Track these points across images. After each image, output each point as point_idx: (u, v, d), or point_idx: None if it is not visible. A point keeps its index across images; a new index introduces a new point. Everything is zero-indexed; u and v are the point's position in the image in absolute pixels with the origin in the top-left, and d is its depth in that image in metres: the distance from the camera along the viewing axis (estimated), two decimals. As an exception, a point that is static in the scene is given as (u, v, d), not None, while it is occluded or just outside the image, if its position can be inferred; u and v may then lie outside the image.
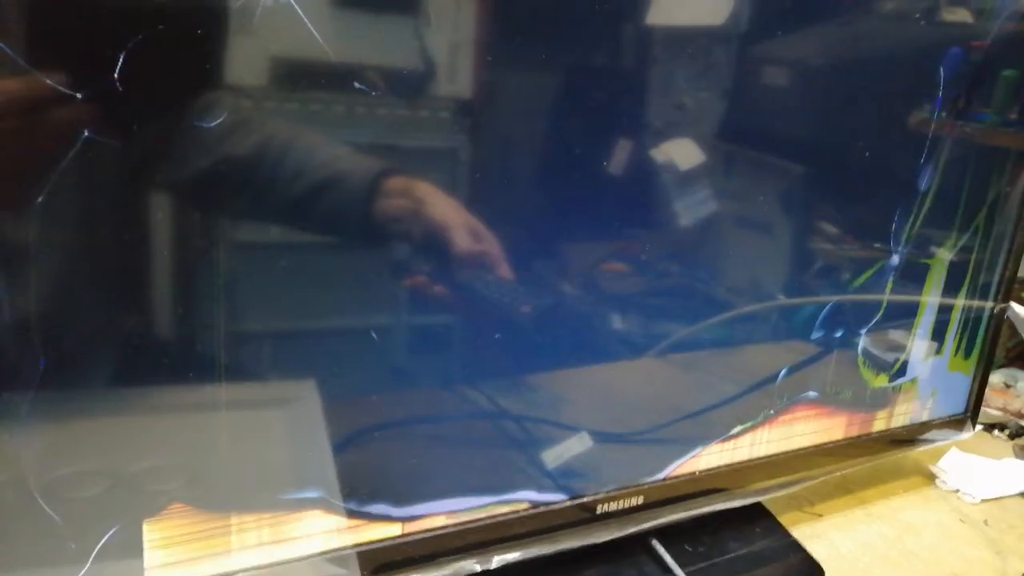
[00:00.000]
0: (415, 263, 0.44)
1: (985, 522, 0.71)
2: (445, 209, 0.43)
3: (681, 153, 0.50)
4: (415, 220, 0.43)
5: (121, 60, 0.32)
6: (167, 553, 0.39)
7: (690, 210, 0.52)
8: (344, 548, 0.44)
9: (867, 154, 0.58)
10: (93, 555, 0.37)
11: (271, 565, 0.42)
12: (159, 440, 0.38)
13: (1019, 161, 0.67)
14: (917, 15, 0.57)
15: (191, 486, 0.39)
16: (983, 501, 0.74)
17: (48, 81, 0.31)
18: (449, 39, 0.40)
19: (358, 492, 0.44)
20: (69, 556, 0.37)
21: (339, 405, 0.42)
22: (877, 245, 0.62)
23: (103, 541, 0.37)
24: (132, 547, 0.38)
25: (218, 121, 0.35)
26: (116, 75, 0.32)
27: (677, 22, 0.48)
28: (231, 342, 0.38)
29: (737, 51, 0.50)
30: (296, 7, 0.35)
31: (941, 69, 0.59)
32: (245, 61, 0.36)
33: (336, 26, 0.37)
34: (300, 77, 0.37)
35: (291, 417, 0.42)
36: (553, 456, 0.51)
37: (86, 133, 0.33)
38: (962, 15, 0.60)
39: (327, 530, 0.43)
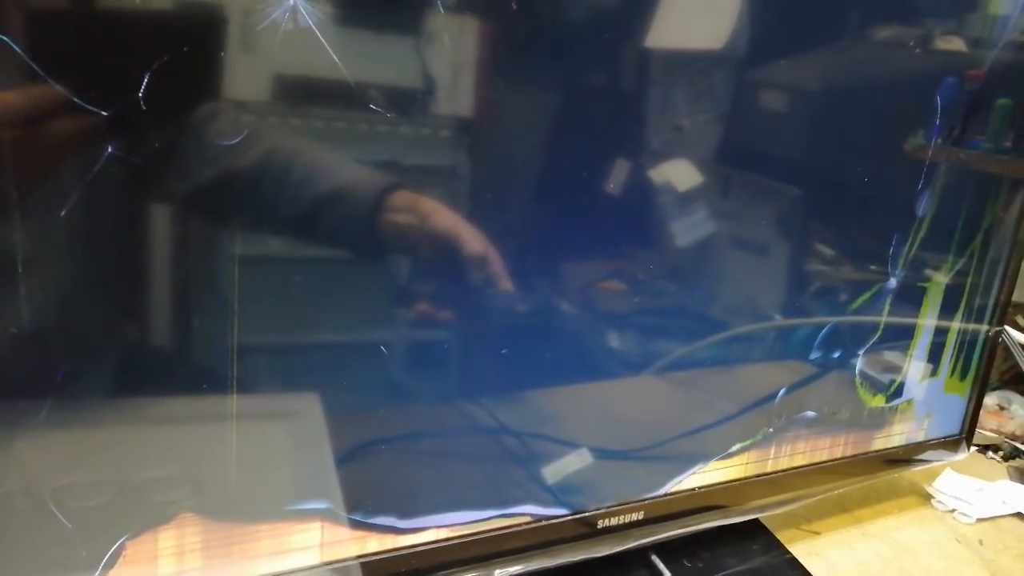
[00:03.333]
0: (419, 278, 0.44)
1: (980, 542, 0.71)
2: (450, 225, 0.44)
3: (679, 174, 0.52)
4: (420, 235, 0.43)
5: (146, 80, 0.33)
6: (175, 561, 0.40)
7: (688, 231, 0.53)
8: (348, 559, 0.45)
9: (866, 179, 0.59)
10: (103, 562, 0.38)
11: (278, 575, 0.42)
12: (166, 450, 0.39)
13: (1013, 187, 0.69)
14: (913, 43, 0.59)
15: (198, 496, 0.40)
16: (978, 521, 0.74)
17: (76, 99, 0.32)
18: (452, 60, 0.41)
19: (364, 504, 0.45)
20: (81, 562, 0.37)
21: (344, 418, 0.43)
22: (875, 268, 0.63)
23: (113, 548, 0.38)
24: (142, 555, 0.39)
25: (238, 139, 0.36)
26: (141, 94, 0.33)
27: (676, 46, 0.49)
28: (239, 355, 0.39)
29: (735, 75, 0.51)
30: (316, 30, 0.36)
31: (938, 97, 0.60)
32: (264, 81, 0.37)
33: (352, 47, 0.38)
34: (317, 96, 0.38)
35: (297, 429, 0.42)
36: (553, 472, 0.52)
37: (110, 149, 0.34)
38: (958, 44, 0.61)
39: (332, 541, 0.44)
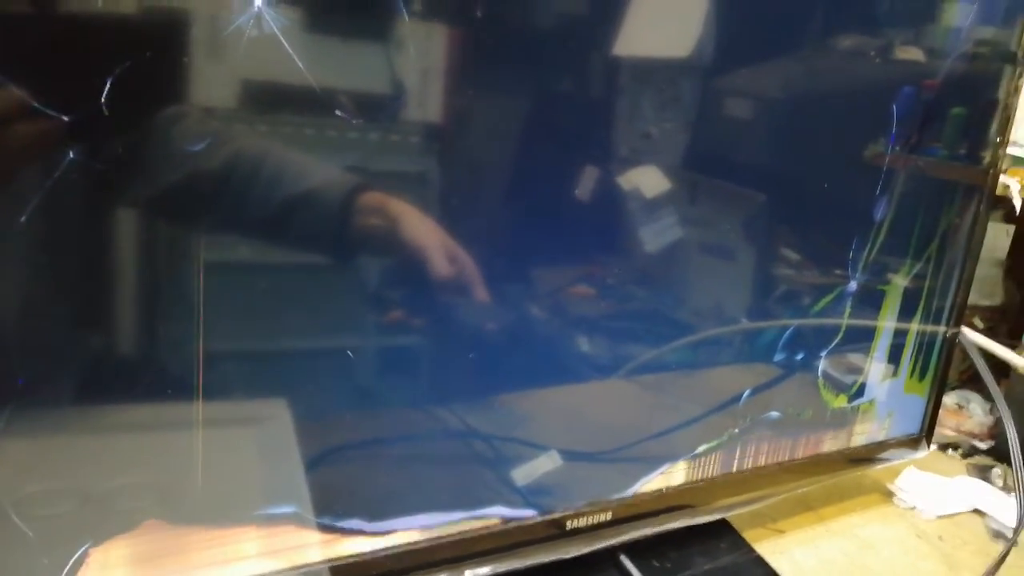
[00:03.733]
0: (388, 282, 0.45)
1: (940, 538, 0.73)
2: (419, 228, 0.44)
3: (647, 181, 0.52)
4: (388, 238, 0.43)
5: (108, 85, 0.33)
6: (140, 568, 0.39)
7: (656, 236, 0.54)
8: (317, 563, 0.45)
9: (826, 185, 0.61)
10: (66, 570, 0.37)
11: (245, 580, 0.42)
12: (132, 458, 0.39)
13: (968, 194, 0.71)
14: (873, 53, 0.60)
15: (164, 503, 0.40)
16: (938, 518, 0.76)
17: (36, 104, 0.32)
18: (419, 67, 0.41)
19: (332, 508, 0.45)
20: (42, 571, 0.37)
21: (312, 423, 0.43)
22: (836, 272, 0.64)
23: (75, 556, 0.38)
24: (106, 562, 0.38)
25: (204, 144, 0.36)
26: (103, 100, 0.33)
27: (644, 54, 0.50)
28: (205, 361, 0.39)
29: (702, 84, 0.52)
30: (280, 37, 0.37)
31: (895, 105, 0.62)
32: (229, 87, 0.37)
33: (318, 54, 0.38)
34: (283, 102, 0.38)
35: (265, 435, 0.42)
36: (523, 474, 0.53)
37: (72, 155, 0.33)
38: (915, 54, 0.63)
39: (301, 545, 0.44)
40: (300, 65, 0.37)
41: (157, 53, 0.34)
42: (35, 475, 0.36)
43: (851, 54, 0.60)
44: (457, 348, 0.48)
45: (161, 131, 0.36)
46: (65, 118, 0.33)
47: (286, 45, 0.37)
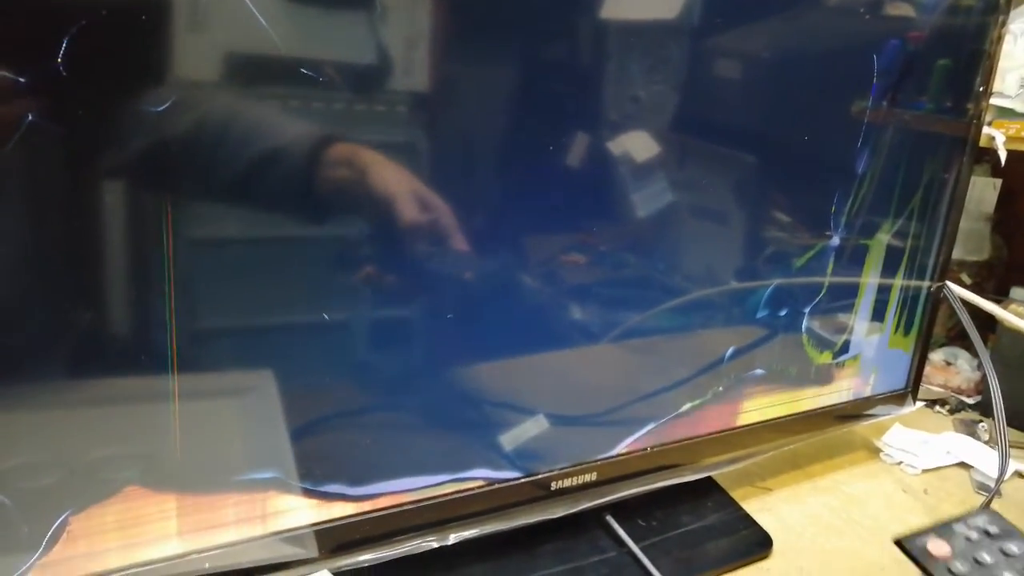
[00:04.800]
0: (363, 238, 0.44)
1: (925, 491, 0.74)
2: (391, 176, 0.42)
3: (637, 145, 0.52)
4: (359, 190, 0.41)
5: (65, 45, 0.32)
6: (122, 535, 0.40)
7: (646, 201, 0.53)
8: (301, 528, 0.45)
9: (807, 138, 0.60)
10: (46, 538, 0.37)
11: (228, 545, 0.42)
12: (114, 429, 0.39)
13: (953, 147, 0.70)
14: (859, 7, 0.59)
15: (146, 472, 0.40)
16: (924, 472, 0.77)
17: (-10, 65, 0.31)
18: (404, 33, 0.41)
19: (313, 473, 0.45)
20: (23, 540, 0.37)
21: (293, 392, 0.43)
22: (818, 228, 0.64)
23: (55, 525, 0.38)
24: (87, 530, 0.38)
25: (165, 105, 0.36)
26: (60, 60, 0.33)
27: (630, 16, 0.49)
28: (183, 333, 0.39)
29: (689, 45, 0.51)
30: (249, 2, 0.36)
31: (877, 59, 0.61)
32: (191, 49, 0.36)
33: (287, 17, 0.37)
34: (251, 68, 0.37)
35: (245, 404, 0.42)
36: (510, 439, 0.53)
37: (30, 117, 0.33)
38: (901, 8, 0.62)
39: (283, 510, 0.44)
40: (271, 31, 0.36)
41: (115, 13, 0.33)
42: (16, 449, 0.36)
43: (837, 9, 0.59)
44: (443, 314, 0.48)
45: (124, 93, 0.35)
46: (21, 79, 0.32)
47: (253, 9, 0.36)
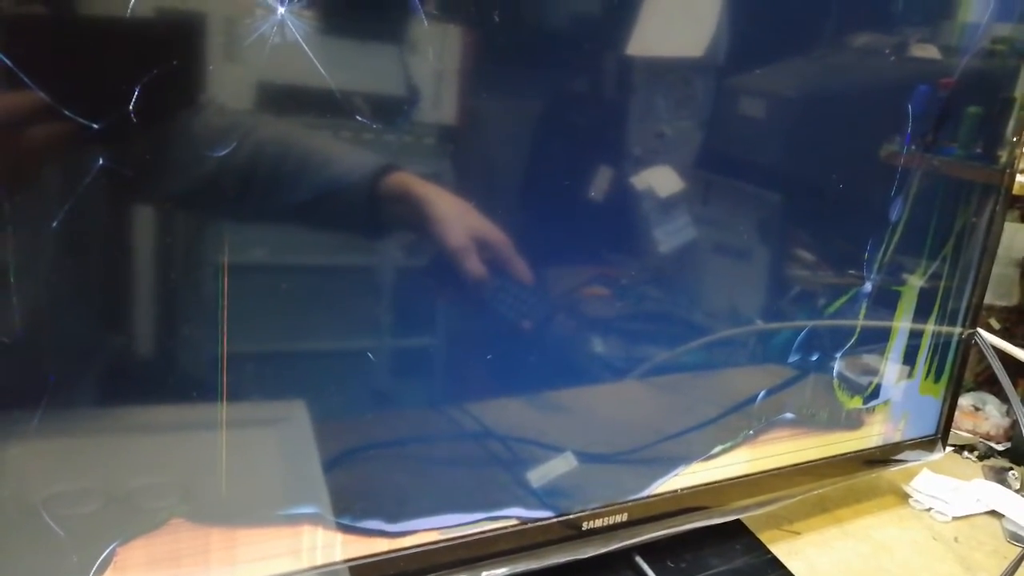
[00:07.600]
0: (409, 279, 0.44)
1: (955, 539, 0.73)
2: (444, 208, 0.43)
3: (661, 181, 0.53)
4: (416, 222, 0.43)
5: (136, 93, 0.34)
6: (166, 566, 0.40)
7: (670, 237, 0.54)
8: (337, 563, 0.45)
9: (841, 185, 0.61)
10: (95, 568, 0.38)
11: (268, 579, 0.43)
12: (157, 458, 0.39)
13: (984, 193, 0.70)
14: (888, 51, 0.60)
15: (188, 502, 0.40)
16: (954, 519, 0.76)
17: (67, 112, 0.33)
18: (435, 69, 0.42)
19: (352, 508, 0.45)
20: (72, 569, 0.38)
21: (332, 424, 0.44)
22: (851, 272, 0.64)
23: (104, 554, 0.38)
24: (133, 560, 0.39)
25: (229, 148, 0.37)
26: (131, 107, 0.34)
27: (658, 54, 0.50)
28: (229, 363, 0.40)
29: (716, 83, 0.52)
30: (303, 44, 0.37)
31: (909, 105, 0.62)
32: (254, 92, 0.37)
33: (339, 58, 0.39)
34: (303, 105, 0.39)
35: (286, 436, 0.43)
36: (539, 475, 0.53)
37: (101, 161, 0.34)
38: (931, 52, 0.63)
39: (321, 545, 0.45)
40: (320, 69, 0.38)
41: (183, 60, 0.35)
42: (64, 474, 0.37)
43: (866, 52, 0.60)
44: (475, 349, 0.48)
45: (188, 136, 0.36)
46: (95, 126, 0.34)
47: (308, 50, 0.37)
